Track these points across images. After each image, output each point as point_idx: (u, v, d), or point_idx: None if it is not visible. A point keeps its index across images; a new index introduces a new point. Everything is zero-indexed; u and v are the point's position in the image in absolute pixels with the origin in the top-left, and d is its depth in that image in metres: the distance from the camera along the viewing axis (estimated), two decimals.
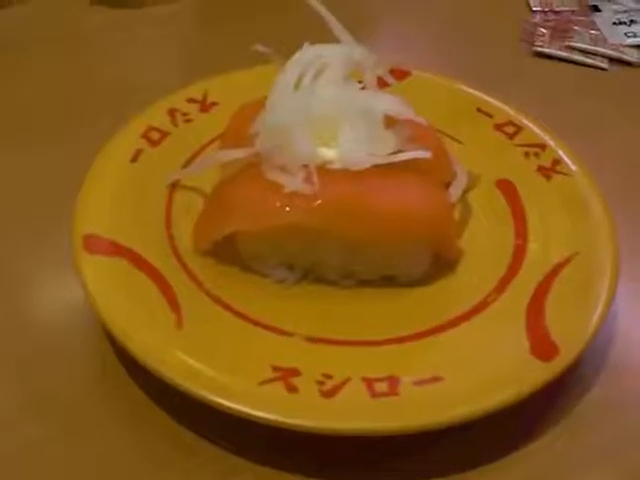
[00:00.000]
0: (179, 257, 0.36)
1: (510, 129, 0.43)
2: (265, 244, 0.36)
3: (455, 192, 0.38)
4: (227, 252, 0.36)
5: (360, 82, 0.37)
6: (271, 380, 0.32)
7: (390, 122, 0.36)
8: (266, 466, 0.32)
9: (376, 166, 0.35)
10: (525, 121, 0.43)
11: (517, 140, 0.42)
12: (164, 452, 0.32)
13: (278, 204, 0.34)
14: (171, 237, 0.37)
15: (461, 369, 0.33)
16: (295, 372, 0.32)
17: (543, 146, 0.42)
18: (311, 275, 0.36)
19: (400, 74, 0.45)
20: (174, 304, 0.34)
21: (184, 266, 0.36)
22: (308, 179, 0.34)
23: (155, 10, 0.56)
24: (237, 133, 0.38)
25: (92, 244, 0.36)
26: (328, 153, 0.35)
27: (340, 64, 0.36)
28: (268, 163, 0.35)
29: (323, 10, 0.37)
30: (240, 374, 0.32)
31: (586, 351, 0.33)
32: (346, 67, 0.37)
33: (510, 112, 0.44)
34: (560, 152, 0.41)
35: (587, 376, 0.35)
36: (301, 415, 0.31)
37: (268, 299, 0.36)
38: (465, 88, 0.45)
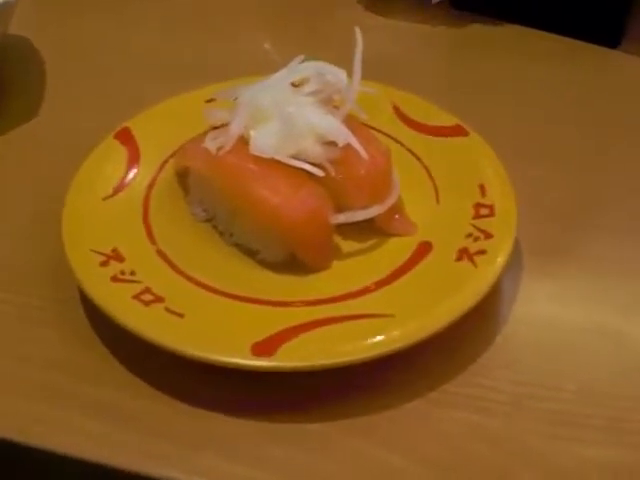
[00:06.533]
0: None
1: (484, 210, 0.45)
2: (195, 182, 0.46)
3: (346, 217, 0.42)
4: (186, 180, 0.47)
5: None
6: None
7: (329, 142, 0.43)
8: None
9: (281, 162, 0.42)
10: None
11: (478, 221, 0.44)
12: None
13: (194, 151, 0.45)
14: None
15: None
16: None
17: (490, 235, 0.43)
18: (212, 221, 0.45)
19: (458, 131, 0.49)
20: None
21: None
22: (222, 146, 0.43)
23: None
24: None
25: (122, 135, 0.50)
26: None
27: (314, 79, 0.44)
28: (216, 128, 0.44)
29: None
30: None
31: None
32: (317, 83, 0.44)
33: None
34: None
35: None
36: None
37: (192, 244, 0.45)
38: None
